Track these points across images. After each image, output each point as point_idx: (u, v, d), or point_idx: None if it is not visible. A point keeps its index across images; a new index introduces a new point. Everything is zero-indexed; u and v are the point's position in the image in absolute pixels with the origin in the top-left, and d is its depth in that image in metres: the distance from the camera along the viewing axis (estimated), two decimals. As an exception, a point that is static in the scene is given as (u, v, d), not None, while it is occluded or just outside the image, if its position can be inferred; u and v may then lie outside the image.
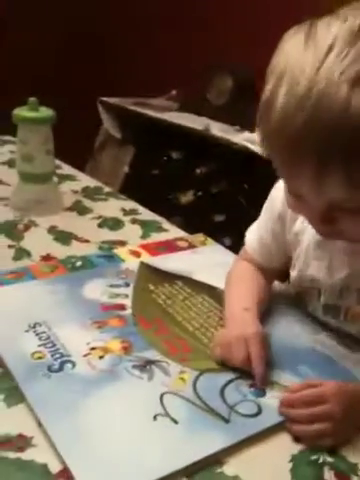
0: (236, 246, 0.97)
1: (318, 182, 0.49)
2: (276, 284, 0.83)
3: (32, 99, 1.00)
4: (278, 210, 0.72)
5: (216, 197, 2.00)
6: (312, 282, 0.71)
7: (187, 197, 2.08)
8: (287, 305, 0.79)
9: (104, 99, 2.43)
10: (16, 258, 0.89)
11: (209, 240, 1.01)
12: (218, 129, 1.91)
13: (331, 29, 0.47)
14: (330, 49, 0.46)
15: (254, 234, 0.79)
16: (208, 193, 2.02)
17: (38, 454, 0.51)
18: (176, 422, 0.56)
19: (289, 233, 0.73)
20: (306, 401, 0.57)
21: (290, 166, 0.50)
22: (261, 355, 0.63)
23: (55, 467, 0.50)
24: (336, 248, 0.66)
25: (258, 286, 0.76)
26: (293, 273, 0.74)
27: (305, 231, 0.70)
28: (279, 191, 0.72)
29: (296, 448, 0.54)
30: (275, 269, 0.79)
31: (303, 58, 0.47)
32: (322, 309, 0.72)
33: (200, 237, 1.01)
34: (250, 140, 1.76)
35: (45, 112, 1.02)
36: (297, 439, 0.55)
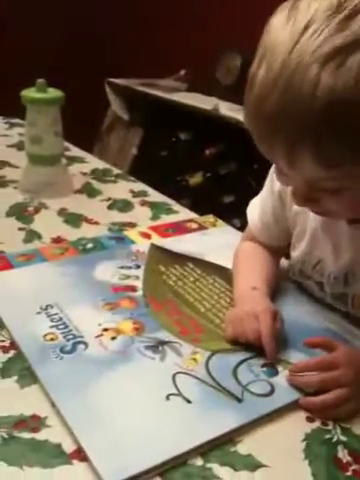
0: (245, 227, 0.96)
1: (291, 161, 0.50)
2: (286, 263, 0.83)
3: (40, 80, 0.99)
4: (278, 187, 0.72)
5: (225, 178, 1.99)
6: (316, 267, 0.70)
7: (196, 179, 2.07)
8: (300, 286, 0.79)
9: (112, 80, 2.41)
10: (27, 240, 0.89)
11: (219, 221, 1.00)
12: (227, 109, 1.89)
13: (311, 6, 0.46)
14: (306, 27, 0.45)
15: (256, 212, 0.78)
16: (217, 174, 2.01)
17: (52, 434, 0.51)
18: (189, 402, 0.56)
19: (289, 211, 0.72)
20: (317, 368, 0.57)
21: (266, 144, 0.51)
22: (271, 330, 0.63)
23: (69, 447, 0.50)
24: (342, 231, 0.65)
25: (265, 264, 0.76)
26: (295, 253, 0.73)
27: (310, 212, 0.68)
28: None
29: (309, 427, 0.54)
30: (279, 247, 0.79)
31: (281, 36, 0.47)
32: (330, 297, 0.71)
33: (210, 218, 1.01)
34: (260, 120, 1.74)
35: (53, 93, 1.01)
36: (311, 418, 0.55)
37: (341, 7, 0.45)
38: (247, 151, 2.02)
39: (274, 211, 0.74)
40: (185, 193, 1.95)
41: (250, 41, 2.04)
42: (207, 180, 2.06)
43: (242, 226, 1.02)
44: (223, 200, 1.98)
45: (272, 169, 0.73)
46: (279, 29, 0.48)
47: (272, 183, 0.73)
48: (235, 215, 1.76)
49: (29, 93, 1.01)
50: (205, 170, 2.06)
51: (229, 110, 1.88)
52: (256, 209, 0.78)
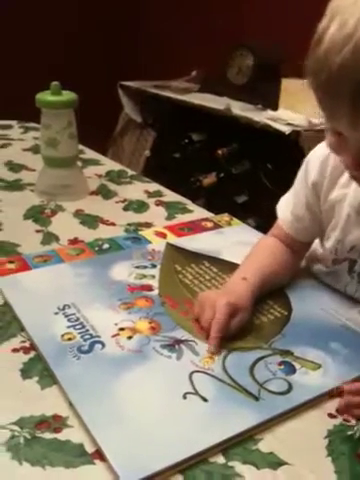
0: (260, 227, 0.96)
1: (354, 118, 0.50)
2: (307, 262, 0.82)
3: (55, 83, 1.00)
4: (313, 179, 0.72)
5: (238, 178, 1.99)
6: (351, 252, 0.70)
7: (209, 179, 2.07)
8: (318, 282, 0.79)
9: (124, 83, 2.42)
10: (44, 242, 0.90)
11: (234, 220, 1.00)
12: (239, 108, 1.89)
13: None
14: None
15: (287, 206, 0.78)
16: (230, 174, 2.00)
17: (74, 434, 0.51)
18: (206, 400, 0.56)
19: (324, 203, 0.72)
20: None
21: (330, 101, 0.51)
22: (220, 325, 0.64)
23: (91, 447, 0.50)
24: None
25: (271, 259, 0.76)
26: (327, 244, 0.73)
27: (345, 199, 0.69)
28: (314, 160, 0.72)
29: (331, 423, 0.53)
30: (305, 243, 0.79)
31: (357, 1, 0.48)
32: (358, 278, 0.71)
33: (225, 217, 1.01)
34: (273, 118, 1.74)
35: (68, 96, 1.02)
36: (332, 415, 0.55)
37: None
38: (260, 150, 2.02)
39: (307, 203, 0.74)
40: (199, 194, 1.95)
41: (262, 41, 2.05)
42: (220, 180, 2.05)
43: (256, 225, 1.02)
44: (237, 200, 1.97)
45: (304, 163, 0.74)
46: None
47: (306, 175, 0.73)
48: (249, 215, 1.76)
49: (43, 96, 1.02)
50: (218, 170, 2.05)
51: (241, 110, 1.88)
52: (287, 203, 0.78)
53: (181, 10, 2.51)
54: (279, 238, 0.79)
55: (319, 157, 0.71)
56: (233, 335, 0.66)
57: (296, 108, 1.78)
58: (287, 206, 0.77)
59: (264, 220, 0.91)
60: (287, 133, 1.64)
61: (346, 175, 0.68)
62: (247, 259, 0.77)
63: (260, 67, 1.96)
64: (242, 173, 1.96)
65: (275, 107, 1.84)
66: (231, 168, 1.98)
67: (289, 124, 1.68)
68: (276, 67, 1.90)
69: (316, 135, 1.64)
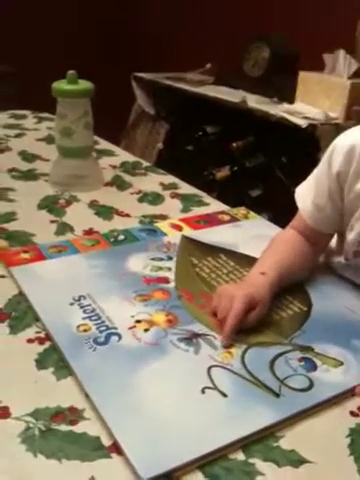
0: (274, 221, 0.94)
1: None
2: (326, 255, 0.81)
3: (71, 72, 0.99)
4: (337, 169, 0.70)
5: (252, 171, 1.97)
6: None
7: (222, 172, 2.05)
8: (338, 278, 0.77)
9: (137, 74, 2.40)
10: (59, 233, 0.89)
11: (251, 213, 0.99)
12: (255, 101, 1.86)
13: None
14: None
15: (308, 196, 0.76)
16: (244, 168, 1.98)
17: (90, 427, 0.50)
18: (225, 395, 0.55)
19: (350, 193, 0.70)
20: None
21: None
22: (236, 314, 0.63)
23: (108, 440, 0.49)
24: None
25: (290, 253, 0.75)
26: (350, 235, 0.71)
27: None
28: (339, 150, 0.70)
29: (354, 422, 0.52)
30: (326, 235, 0.77)
31: None
32: None
33: (242, 210, 1.00)
34: (289, 111, 1.71)
35: (84, 85, 1.01)
36: (355, 413, 0.53)
37: None
38: (275, 144, 2.00)
39: (330, 192, 0.72)
40: (212, 187, 1.93)
41: (278, 33, 2.02)
42: (234, 174, 2.04)
43: (270, 220, 1.00)
44: (250, 194, 1.95)
45: (327, 153, 0.72)
46: None
47: (330, 165, 0.71)
48: (263, 209, 1.74)
49: (60, 85, 1.00)
50: (232, 164, 2.04)
51: (257, 103, 1.86)
52: (308, 192, 0.76)
53: (197, 2, 2.48)
54: (298, 230, 0.77)
55: (344, 147, 0.69)
56: (252, 329, 0.65)
57: (313, 101, 1.76)
58: (308, 196, 0.76)
59: (278, 214, 0.89)
60: (304, 126, 1.62)
61: None
62: (265, 253, 0.76)
63: (276, 60, 1.93)
64: (256, 167, 1.94)
65: (291, 100, 1.82)
66: (245, 161, 1.96)
67: (305, 117, 1.66)
68: (293, 60, 1.88)
69: (333, 129, 1.62)
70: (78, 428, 0.50)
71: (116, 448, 0.48)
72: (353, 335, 0.65)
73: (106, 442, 0.49)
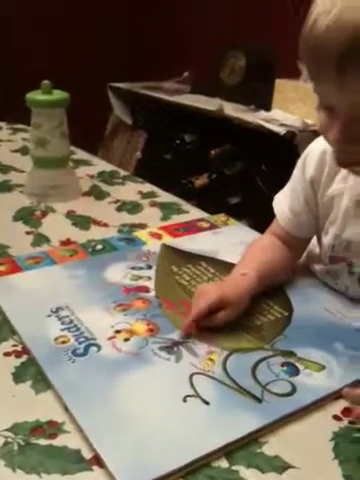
0: (254, 228, 0.94)
1: (340, 76, 0.51)
2: (307, 261, 0.81)
3: (45, 82, 0.98)
4: (310, 174, 0.72)
5: (231, 179, 1.97)
6: (348, 249, 0.69)
7: (201, 180, 2.05)
8: (318, 281, 0.77)
9: (113, 84, 2.40)
10: (35, 244, 0.88)
11: (231, 220, 0.99)
12: (232, 109, 1.87)
13: None
14: None
15: (284, 203, 0.77)
16: (223, 175, 1.99)
17: (70, 440, 0.49)
18: (207, 403, 0.54)
19: (323, 197, 0.71)
20: None
21: (316, 66, 0.53)
22: (196, 312, 0.64)
23: (88, 453, 0.48)
24: None
25: (270, 255, 0.75)
26: (325, 239, 0.72)
27: (344, 193, 0.68)
28: (311, 156, 0.72)
29: (337, 426, 0.52)
30: (304, 240, 0.78)
31: None
32: (358, 281, 0.70)
33: (222, 217, 0.99)
34: (266, 119, 1.73)
35: (58, 95, 1.00)
36: (338, 417, 0.53)
37: None
38: (254, 151, 2.01)
39: (305, 198, 0.74)
40: (191, 195, 1.93)
41: (254, 41, 2.04)
42: (213, 182, 2.04)
43: (250, 226, 1.00)
44: (229, 201, 1.96)
45: (301, 160, 0.74)
46: None
47: (304, 171, 0.73)
48: (242, 216, 1.74)
49: (34, 95, 1.00)
50: (211, 171, 2.04)
51: (234, 110, 1.87)
52: (284, 199, 0.77)
53: (173, 11, 2.50)
54: (276, 235, 0.78)
55: (316, 153, 0.71)
56: (233, 336, 0.64)
57: (290, 109, 1.77)
58: (284, 202, 0.77)
59: (257, 221, 0.90)
60: (282, 134, 1.63)
61: (344, 169, 0.67)
62: (246, 256, 0.76)
63: (253, 68, 1.95)
64: (235, 174, 1.95)
65: (268, 108, 1.84)
66: (224, 169, 1.96)
67: (283, 125, 1.67)
68: (269, 68, 1.90)
69: (311, 136, 1.63)
70: (58, 442, 0.49)
71: (97, 460, 0.47)
72: (334, 338, 0.65)
73: (87, 455, 0.48)
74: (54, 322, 0.66)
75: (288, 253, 0.77)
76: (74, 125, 1.07)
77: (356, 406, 0.53)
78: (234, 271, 0.73)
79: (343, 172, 0.68)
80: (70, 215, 1.00)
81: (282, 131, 1.63)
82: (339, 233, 0.70)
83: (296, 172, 0.75)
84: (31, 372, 0.58)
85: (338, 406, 0.55)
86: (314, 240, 0.79)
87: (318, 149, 0.70)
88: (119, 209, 1.04)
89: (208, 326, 0.65)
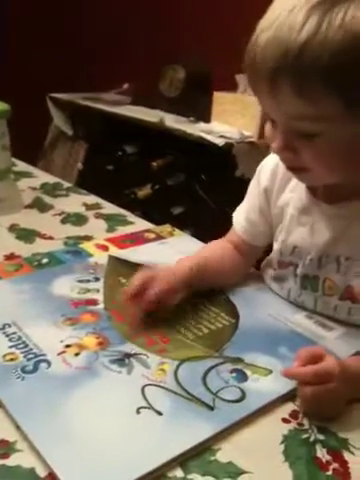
0: (198, 237, 0.96)
1: (272, 90, 0.54)
2: (254, 270, 0.84)
3: (-16, 93, 0.96)
4: (264, 185, 0.75)
5: (174, 189, 2.00)
6: (293, 253, 0.73)
7: (144, 191, 2.06)
8: (264, 290, 0.80)
9: (53, 95, 2.37)
10: (-23, 259, 0.85)
11: (177, 231, 1.00)
12: (173, 121, 1.90)
13: None
14: None
15: (241, 212, 0.81)
16: (165, 186, 2.01)
17: (24, 459, 0.48)
18: (160, 413, 0.55)
19: (274, 207, 0.75)
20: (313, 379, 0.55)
21: (255, 80, 0.57)
22: (132, 289, 0.68)
23: (43, 470, 0.47)
24: (320, 211, 0.69)
25: (218, 255, 0.79)
26: (275, 246, 0.76)
27: (290, 201, 0.72)
28: (265, 168, 0.75)
29: (286, 428, 0.54)
30: (258, 248, 0.81)
31: (286, 1, 0.54)
32: (301, 282, 0.73)
33: (167, 228, 1.01)
34: (206, 131, 1.76)
35: (-1, 106, 0.98)
36: (286, 420, 0.55)
37: None
38: (194, 162, 2.04)
39: (260, 208, 0.77)
40: (134, 206, 1.93)
41: (192, 54, 2.07)
42: (156, 192, 2.06)
43: (193, 236, 1.02)
44: (173, 211, 1.98)
45: (257, 171, 0.77)
46: None
47: (259, 182, 0.77)
48: (186, 226, 1.76)
49: (-27, 107, 0.97)
50: (153, 182, 2.05)
51: (175, 122, 1.89)
52: (241, 209, 0.81)
53: (112, 23, 2.50)
54: (231, 241, 0.82)
55: (270, 165, 0.75)
56: (183, 345, 0.66)
57: (228, 120, 1.82)
58: (241, 212, 0.81)
59: (200, 230, 0.92)
60: (220, 145, 1.67)
61: (294, 181, 0.71)
62: (197, 252, 0.80)
63: (191, 80, 1.99)
64: (177, 185, 1.97)
65: (207, 120, 1.88)
66: (166, 180, 1.98)
67: (222, 136, 1.71)
68: (207, 80, 1.94)
69: (248, 147, 1.68)
70: (11, 461, 0.48)
71: (52, 478, 0.47)
72: (279, 343, 0.67)
73: (42, 473, 0.47)
74: (1, 339, 0.64)
75: (238, 258, 0.80)
76: (12, 136, 1.05)
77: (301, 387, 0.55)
78: (178, 259, 0.77)
79: (292, 183, 0.72)
80: (13, 228, 0.98)
81: (220, 142, 1.67)
82: (285, 239, 0.74)
83: (252, 183, 0.79)
84: (-21, 392, 0.56)
85: (286, 409, 0.57)
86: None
87: (272, 160, 0.74)
88: (64, 221, 1.03)
89: (159, 338, 0.66)
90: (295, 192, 0.72)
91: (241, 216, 0.81)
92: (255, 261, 0.84)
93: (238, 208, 0.82)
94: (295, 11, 0.51)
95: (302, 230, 0.71)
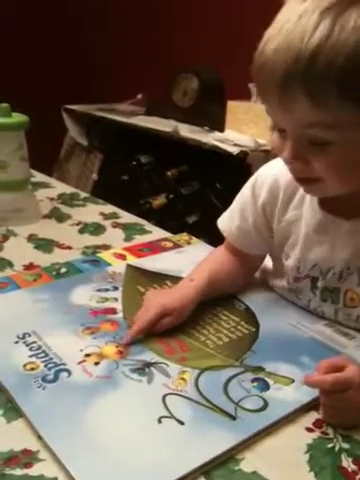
0: (213, 245, 0.96)
1: (284, 102, 0.53)
2: (262, 277, 0.83)
3: (4, 105, 0.97)
4: (262, 201, 0.73)
5: (188, 198, 2.00)
6: (312, 269, 0.71)
7: (159, 200, 2.07)
8: (283, 298, 0.79)
9: (68, 107, 2.40)
10: (-3, 269, 0.86)
11: (194, 239, 1.00)
12: (187, 130, 1.91)
13: None
14: None
15: (231, 221, 0.78)
16: (180, 195, 2.01)
17: (46, 468, 0.48)
18: (182, 423, 0.54)
19: (279, 223, 0.73)
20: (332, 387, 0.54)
21: (264, 88, 0.55)
22: (143, 319, 0.68)
23: (66, 480, 0.47)
24: (338, 228, 0.67)
25: (219, 263, 0.79)
26: (288, 263, 0.74)
27: (301, 218, 0.70)
28: (262, 182, 0.73)
29: (310, 437, 0.53)
30: (255, 256, 0.80)
31: (294, 8, 0.52)
32: (320, 294, 0.71)
33: (184, 236, 1.01)
34: (220, 139, 1.76)
35: (18, 118, 1.00)
36: (310, 429, 0.54)
37: None
38: (209, 171, 2.04)
39: (256, 221, 0.75)
40: (149, 215, 1.94)
41: (206, 64, 2.08)
42: (170, 201, 2.06)
43: (211, 244, 1.02)
44: (188, 220, 1.98)
45: (250, 183, 0.75)
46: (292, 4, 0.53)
47: (254, 196, 0.74)
48: (201, 234, 1.76)
49: (-8, 118, 0.98)
50: (168, 192, 2.06)
51: (189, 132, 1.90)
52: (231, 218, 0.79)
53: (125, 34, 2.53)
54: (229, 250, 0.81)
55: (268, 180, 0.72)
56: (203, 354, 0.65)
57: (242, 129, 1.82)
58: (232, 221, 0.78)
59: (215, 239, 0.91)
60: (235, 154, 1.67)
61: (297, 196, 0.70)
62: (199, 264, 0.80)
63: (205, 90, 1.99)
64: (192, 193, 1.98)
65: (222, 129, 1.88)
66: (180, 189, 1.99)
67: (236, 145, 1.71)
68: (220, 89, 1.95)
69: (263, 155, 1.68)
70: (34, 471, 0.48)
71: (75, 489, 0.46)
72: (300, 351, 0.66)
73: (65, 483, 0.47)
74: (22, 348, 0.65)
75: (239, 265, 0.79)
76: (28, 148, 1.06)
77: (322, 396, 0.55)
78: (185, 278, 0.77)
79: (295, 201, 0.70)
80: (32, 238, 0.98)
81: (235, 151, 1.68)
82: (303, 257, 0.71)
83: (245, 193, 0.76)
84: (1, 400, 0.56)
85: (310, 418, 0.56)
86: (267, 258, 0.81)
87: (269, 176, 0.72)
88: (81, 231, 1.03)
89: (179, 347, 0.66)
90: (302, 209, 0.70)
91: (231, 225, 0.78)
92: (257, 268, 0.83)
93: (225, 216, 0.80)
94: (305, 16, 0.50)
95: (321, 248, 0.69)
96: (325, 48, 0.48)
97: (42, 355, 0.64)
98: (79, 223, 1.06)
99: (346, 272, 0.68)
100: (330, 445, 0.52)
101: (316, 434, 0.54)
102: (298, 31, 0.50)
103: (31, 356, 0.63)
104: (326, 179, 0.58)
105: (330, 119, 0.52)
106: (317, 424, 0.55)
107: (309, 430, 0.54)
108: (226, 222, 0.79)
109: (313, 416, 0.56)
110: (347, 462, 0.50)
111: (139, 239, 1.00)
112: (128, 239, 1.00)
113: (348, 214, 0.65)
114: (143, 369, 0.62)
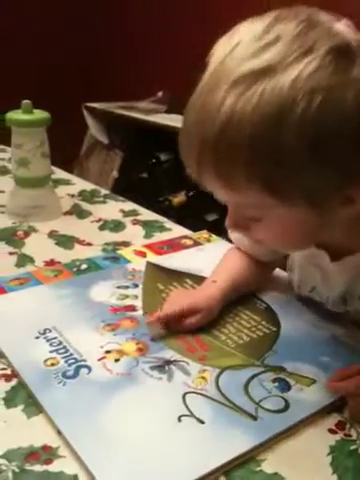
0: (232, 243, 0.95)
1: (203, 181, 0.51)
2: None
3: (26, 101, 0.97)
4: None
5: (208, 196, 1.99)
6: (312, 291, 0.71)
7: (179, 198, 2.07)
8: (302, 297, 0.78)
9: (89, 104, 2.41)
10: (19, 265, 0.86)
11: (213, 237, 1.00)
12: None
13: (248, 26, 0.48)
14: (233, 48, 0.47)
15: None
16: (200, 192, 2.01)
17: (66, 465, 0.48)
18: (202, 422, 0.54)
19: None
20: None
21: (184, 159, 0.52)
22: (169, 311, 0.67)
23: (85, 477, 0.47)
24: (326, 265, 0.65)
25: (239, 265, 0.77)
26: (292, 276, 0.74)
27: None
28: None
29: (333, 439, 0.52)
30: (271, 261, 0.79)
31: (216, 53, 0.50)
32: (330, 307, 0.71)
33: (204, 234, 1.00)
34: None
35: (40, 114, 1.00)
36: (333, 430, 0.54)
37: (267, 33, 0.46)
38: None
39: None
40: (169, 213, 1.93)
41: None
42: (190, 199, 2.06)
43: (230, 242, 1.01)
44: (207, 218, 1.97)
45: None
46: (219, 44, 0.50)
47: None
48: (220, 232, 1.76)
49: (14, 115, 0.99)
50: (188, 189, 2.06)
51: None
52: None
53: (145, 31, 2.53)
54: (245, 252, 0.79)
55: None
56: (224, 353, 0.65)
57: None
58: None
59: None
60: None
61: None
62: (219, 265, 0.79)
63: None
64: (212, 191, 1.97)
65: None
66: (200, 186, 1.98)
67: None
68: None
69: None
70: (54, 467, 0.48)
71: (95, 486, 0.46)
72: (321, 352, 0.65)
73: (84, 480, 0.47)
74: (42, 344, 0.65)
75: (258, 266, 0.78)
76: (50, 144, 1.07)
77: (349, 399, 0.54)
78: (207, 279, 0.76)
79: None
80: (53, 235, 0.99)
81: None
82: (300, 279, 0.72)
83: None
84: (22, 396, 0.56)
85: (332, 420, 0.55)
86: None
87: None
88: (102, 228, 1.03)
89: (199, 345, 0.65)
90: None
91: (242, 237, 0.74)
92: (275, 267, 0.82)
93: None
94: (221, 80, 0.46)
95: (315, 276, 0.68)
96: (229, 128, 0.45)
97: (62, 351, 0.64)
98: (99, 220, 1.06)
99: (350, 298, 0.66)
100: (353, 447, 0.51)
101: (339, 436, 0.53)
102: (213, 101, 0.46)
103: (52, 352, 0.63)
104: (269, 243, 0.57)
105: (247, 201, 0.50)
106: (340, 426, 0.54)
107: (332, 432, 0.53)
108: (237, 235, 0.78)
109: (336, 417, 0.55)
110: (371, 465, 0.49)
111: (159, 236, 1.00)
112: (148, 236, 1.00)
113: (333, 257, 0.64)
114: (163, 367, 0.62)
